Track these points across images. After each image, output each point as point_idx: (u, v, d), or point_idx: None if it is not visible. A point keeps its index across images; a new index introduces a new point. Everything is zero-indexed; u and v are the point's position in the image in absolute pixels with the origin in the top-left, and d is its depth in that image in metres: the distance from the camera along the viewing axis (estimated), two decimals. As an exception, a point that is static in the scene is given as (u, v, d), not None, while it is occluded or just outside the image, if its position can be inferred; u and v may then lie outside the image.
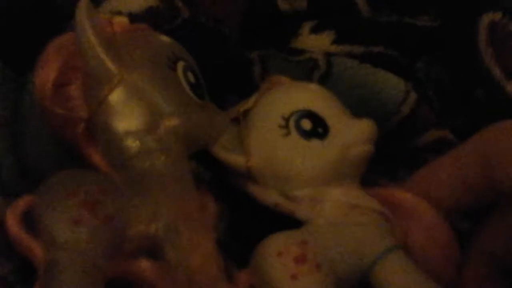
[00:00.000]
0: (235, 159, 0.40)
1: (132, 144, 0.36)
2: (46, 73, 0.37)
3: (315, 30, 0.53)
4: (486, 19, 0.50)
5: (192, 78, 0.39)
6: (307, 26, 0.54)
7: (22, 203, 0.34)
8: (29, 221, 0.33)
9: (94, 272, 0.32)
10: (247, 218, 0.41)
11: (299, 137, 0.39)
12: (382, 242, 0.37)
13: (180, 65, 0.39)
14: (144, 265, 0.34)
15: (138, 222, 0.34)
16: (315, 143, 0.39)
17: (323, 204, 0.38)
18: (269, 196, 0.40)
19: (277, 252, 0.36)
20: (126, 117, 0.37)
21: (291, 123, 0.39)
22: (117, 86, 0.36)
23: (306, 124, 0.39)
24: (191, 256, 0.33)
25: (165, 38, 0.40)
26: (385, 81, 0.47)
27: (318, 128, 0.40)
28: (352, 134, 0.39)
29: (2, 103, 0.42)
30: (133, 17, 0.47)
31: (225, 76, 0.47)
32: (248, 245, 0.38)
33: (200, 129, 0.38)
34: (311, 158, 0.39)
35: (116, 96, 0.37)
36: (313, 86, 0.44)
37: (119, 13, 0.48)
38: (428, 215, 0.39)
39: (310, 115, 0.40)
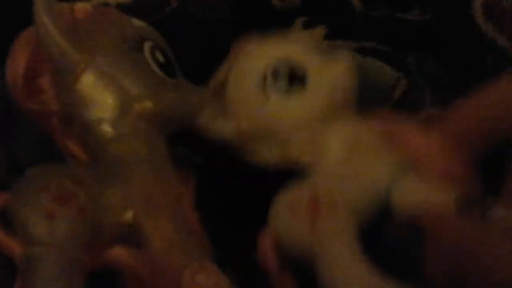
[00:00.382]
0: (226, 127, 0.40)
1: (106, 130, 0.37)
2: (16, 67, 0.38)
3: (307, 26, 0.53)
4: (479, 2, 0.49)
5: (161, 58, 0.39)
6: (299, 22, 0.53)
7: None
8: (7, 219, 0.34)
9: (72, 265, 0.33)
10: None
11: (280, 90, 0.39)
12: (391, 165, 0.37)
13: (147, 45, 0.39)
14: (119, 252, 0.34)
15: (111, 211, 0.35)
16: (297, 89, 0.39)
17: (324, 146, 0.38)
18: (270, 153, 0.39)
19: (289, 204, 0.37)
20: (96, 104, 0.37)
21: (269, 80, 0.39)
22: (83, 74, 0.37)
23: (284, 76, 0.39)
24: (152, 241, 0.34)
25: (131, 21, 0.40)
26: (376, 69, 0.47)
27: (295, 78, 0.39)
28: (333, 76, 0.39)
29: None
30: (122, 8, 0.47)
31: (212, 65, 0.47)
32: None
33: (174, 108, 0.38)
34: (297, 105, 0.39)
35: (83, 84, 0.37)
36: (284, 40, 0.42)
37: (107, 4, 0.48)
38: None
39: (286, 66, 0.40)
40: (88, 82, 0.37)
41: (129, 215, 0.35)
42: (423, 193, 0.35)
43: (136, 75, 0.37)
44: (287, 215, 0.36)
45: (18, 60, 0.37)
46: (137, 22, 0.40)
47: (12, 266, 0.35)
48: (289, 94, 0.39)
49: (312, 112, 0.39)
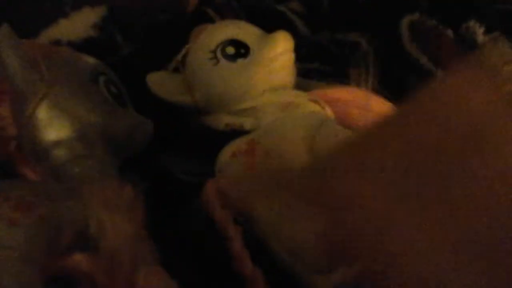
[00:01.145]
0: (183, 99, 0.46)
1: (61, 152, 0.39)
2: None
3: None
4: (406, 21, 0.55)
5: (114, 90, 0.43)
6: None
7: None
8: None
9: (33, 269, 0.33)
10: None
11: (227, 61, 0.45)
12: (315, 119, 0.43)
13: (102, 78, 0.42)
14: (78, 258, 0.34)
15: (72, 223, 0.35)
16: (241, 62, 0.45)
17: (263, 110, 0.44)
18: (220, 120, 0.45)
19: (231, 154, 0.42)
20: (52, 129, 0.39)
21: (218, 53, 0.45)
22: (42, 101, 0.39)
23: (230, 50, 0.45)
24: (111, 238, 0.35)
25: (86, 58, 0.44)
26: (309, 85, 0.50)
27: (240, 50, 0.45)
28: (272, 47, 0.45)
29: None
30: (73, 46, 0.49)
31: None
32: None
33: (124, 135, 0.41)
34: (241, 75, 0.45)
35: (42, 110, 0.39)
36: (229, 21, 0.50)
37: (58, 42, 0.50)
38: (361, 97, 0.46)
39: (231, 42, 0.46)
40: (47, 109, 0.39)
41: (88, 225, 0.35)
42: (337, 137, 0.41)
43: (92, 104, 0.40)
44: (228, 159, 0.41)
45: None
46: (90, 59, 0.44)
47: None
48: (234, 64, 0.45)
49: (254, 81, 0.45)
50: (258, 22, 0.57)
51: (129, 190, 0.38)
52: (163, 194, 0.44)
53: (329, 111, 0.45)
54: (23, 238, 0.33)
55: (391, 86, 0.51)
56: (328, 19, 0.61)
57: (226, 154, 0.42)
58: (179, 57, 0.48)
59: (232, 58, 0.45)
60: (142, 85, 0.47)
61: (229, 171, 0.41)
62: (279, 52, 0.45)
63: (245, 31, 0.47)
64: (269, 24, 0.51)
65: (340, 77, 0.54)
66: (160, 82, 0.47)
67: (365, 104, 0.45)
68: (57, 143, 0.39)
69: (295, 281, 0.38)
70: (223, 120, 0.45)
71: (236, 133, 0.44)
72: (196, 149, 0.48)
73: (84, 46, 0.50)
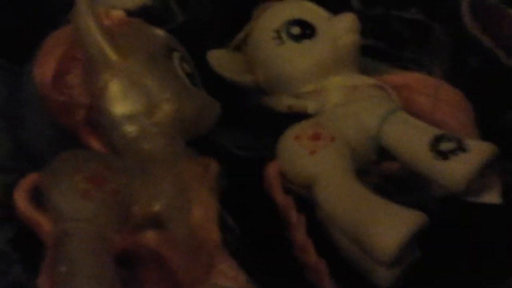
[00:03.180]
0: (245, 79, 0.46)
1: (132, 128, 0.38)
2: (47, 63, 0.39)
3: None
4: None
5: (188, 68, 0.41)
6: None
7: (29, 180, 0.35)
8: (36, 197, 0.35)
9: (103, 242, 0.33)
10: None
11: (292, 42, 0.44)
12: (383, 107, 0.42)
13: (176, 55, 0.41)
14: (150, 236, 0.35)
15: (141, 201, 0.35)
16: (306, 43, 0.44)
17: (327, 93, 0.43)
18: (282, 102, 0.45)
19: (295, 136, 0.41)
20: (124, 103, 0.38)
21: (283, 33, 0.45)
22: (117, 74, 0.38)
23: (295, 30, 0.45)
24: (192, 210, 0.35)
25: (159, 31, 0.42)
26: (373, 68, 0.49)
27: (306, 31, 0.44)
28: (338, 28, 0.44)
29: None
30: (128, 14, 0.48)
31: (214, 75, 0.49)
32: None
33: (194, 115, 0.40)
34: (306, 56, 0.44)
35: (115, 83, 0.38)
36: (293, 0, 0.48)
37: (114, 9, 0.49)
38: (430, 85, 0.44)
39: (297, 22, 0.45)
40: (121, 82, 0.38)
41: (157, 207, 0.36)
42: (405, 130, 0.40)
43: (166, 80, 0.39)
44: (292, 142, 0.41)
45: (50, 56, 0.39)
46: (160, 32, 0.42)
47: (19, 242, 0.37)
48: (300, 45, 0.44)
49: (319, 62, 0.44)
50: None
51: (214, 166, 0.38)
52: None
53: (395, 97, 0.44)
54: (95, 212, 0.34)
55: (454, 69, 0.50)
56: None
57: (289, 136, 0.42)
58: (241, 35, 0.47)
59: (297, 38, 0.44)
60: (196, 54, 0.46)
61: (292, 154, 0.41)
62: (345, 34, 0.44)
63: (311, 12, 0.46)
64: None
65: (396, 56, 0.54)
66: (221, 60, 0.46)
67: (434, 93, 0.44)
68: (128, 118, 0.38)
69: (356, 270, 0.38)
70: (285, 102, 0.45)
71: (297, 115, 0.44)
72: (251, 126, 0.48)
73: (139, 14, 0.49)
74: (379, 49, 0.55)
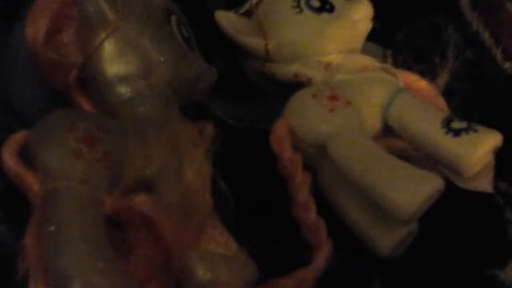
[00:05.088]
0: (255, 41, 0.45)
1: (125, 89, 0.37)
2: (39, 21, 0.37)
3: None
4: None
5: (185, 32, 0.40)
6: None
7: (18, 138, 0.34)
8: (25, 156, 0.33)
9: (93, 202, 0.32)
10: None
11: (311, 12, 0.44)
12: (392, 85, 0.42)
13: (174, 18, 0.40)
14: (141, 199, 0.34)
15: (133, 163, 0.35)
16: (325, 16, 0.44)
17: (336, 67, 0.43)
18: (288, 68, 0.45)
19: (312, 94, 0.41)
20: (119, 63, 0.37)
21: (302, 3, 0.44)
22: (113, 33, 0.37)
23: (315, 3, 0.44)
24: (185, 172, 0.35)
25: None
26: (364, 48, 0.49)
27: (326, 6, 0.44)
28: (357, 11, 0.44)
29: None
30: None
31: (210, 41, 0.48)
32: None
33: (190, 80, 0.39)
34: (324, 28, 0.44)
35: (111, 43, 0.37)
36: None
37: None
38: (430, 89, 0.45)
39: None
40: (116, 42, 0.37)
41: (149, 169, 0.35)
42: (416, 108, 0.41)
43: (163, 43, 0.38)
44: (309, 99, 0.40)
45: (43, 13, 0.37)
46: None
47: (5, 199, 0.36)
48: (318, 16, 0.44)
49: (335, 37, 0.44)
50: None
51: (209, 129, 0.38)
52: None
53: (400, 81, 0.44)
54: (86, 172, 0.33)
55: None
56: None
57: (306, 94, 0.41)
58: (254, 1, 0.46)
59: (317, 10, 0.44)
60: (194, 16, 0.45)
61: (310, 111, 0.40)
62: (362, 17, 0.44)
63: None
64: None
65: (387, 38, 0.53)
66: (230, 22, 0.45)
67: (433, 97, 0.44)
68: (122, 79, 0.37)
69: (357, 235, 0.39)
70: (292, 69, 0.44)
71: (298, 86, 0.43)
72: (248, 95, 0.47)
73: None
74: (372, 28, 0.54)
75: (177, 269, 0.33)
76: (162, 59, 0.38)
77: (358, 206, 0.39)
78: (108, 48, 0.37)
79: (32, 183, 0.33)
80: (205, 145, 0.37)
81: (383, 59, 0.51)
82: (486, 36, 0.52)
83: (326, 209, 0.39)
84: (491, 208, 0.43)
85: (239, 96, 0.47)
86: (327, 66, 0.44)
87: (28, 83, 0.41)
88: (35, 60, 0.38)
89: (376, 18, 0.47)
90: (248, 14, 0.46)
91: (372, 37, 0.49)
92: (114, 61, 0.37)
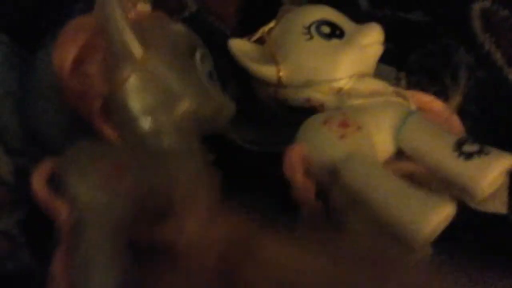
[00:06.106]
0: (267, 69, 0.45)
1: (148, 122, 0.39)
2: (67, 50, 0.39)
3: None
4: (477, 7, 0.54)
5: (208, 67, 0.42)
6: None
7: (46, 166, 0.35)
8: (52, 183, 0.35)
9: (119, 232, 0.34)
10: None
11: (322, 38, 0.45)
12: (403, 109, 0.43)
13: (198, 54, 0.42)
14: (166, 228, 0.35)
15: (157, 192, 0.35)
16: (336, 42, 0.45)
17: (349, 92, 0.44)
18: (300, 94, 0.45)
19: (323, 121, 0.41)
20: (143, 97, 0.39)
21: (313, 30, 0.45)
22: (139, 68, 0.38)
23: (326, 29, 0.45)
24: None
25: (183, 28, 0.43)
26: (377, 70, 0.50)
27: (336, 31, 0.45)
28: (367, 35, 0.45)
29: (10, 74, 0.43)
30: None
31: (225, 69, 0.49)
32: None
33: (211, 115, 0.41)
34: (334, 54, 0.44)
35: (136, 78, 0.39)
36: (323, 5, 0.49)
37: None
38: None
39: (327, 23, 0.45)
40: (142, 76, 0.38)
41: (173, 199, 0.35)
42: (428, 131, 0.41)
43: (186, 78, 0.40)
44: (320, 125, 0.41)
45: (71, 43, 0.39)
46: (184, 28, 0.43)
47: (27, 225, 0.37)
48: (329, 42, 0.45)
49: (346, 62, 0.44)
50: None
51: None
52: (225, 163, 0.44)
53: (412, 104, 0.44)
54: (114, 202, 0.34)
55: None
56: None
57: (317, 121, 0.42)
58: (266, 28, 0.47)
59: (327, 36, 0.45)
60: (208, 45, 0.46)
61: (321, 137, 0.41)
62: (372, 42, 0.45)
63: (339, 17, 0.46)
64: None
65: (401, 60, 0.54)
66: (243, 50, 0.46)
67: (448, 118, 0.45)
68: (146, 112, 0.38)
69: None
70: (304, 95, 0.45)
71: (311, 111, 0.44)
72: (262, 120, 0.48)
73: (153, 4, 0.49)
74: (385, 49, 0.55)
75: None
76: (185, 94, 0.39)
77: (370, 232, 0.39)
78: (133, 82, 0.38)
79: (61, 211, 0.34)
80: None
81: (397, 81, 0.51)
82: (498, 56, 0.52)
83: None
84: (506, 229, 0.43)
85: (254, 120, 0.48)
86: (339, 91, 0.44)
87: (50, 110, 0.42)
88: (61, 88, 0.39)
89: (388, 40, 0.48)
90: (261, 41, 0.47)
91: (385, 59, 0.49)
92: (138, 95, 0.38)
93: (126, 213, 0.34)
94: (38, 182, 0.34)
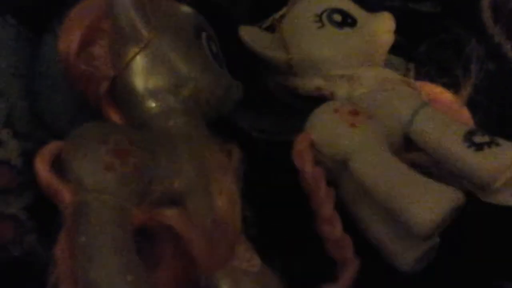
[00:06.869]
0: (278, 55, 0.46)
1: (155, 103, 0.38)
2: (72, 33, 0.39)
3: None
4: None
5: (214, 48, 0.41)
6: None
7: (50, 149, 0.34)
8: (56, 166, 0.34)
9: (123, 214, 0.33)
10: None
11: (333, 27, 0.45)
12: (415, 99, 0.42)
13: (204, 35, 0.41)
14: (170, 213, 0.35)
15: (162, 177, 0.35)
16: (347, 30, 0.45)
17: (359, 81, 0.44)
18: (311, 82, 0.45)
19: (333, 109, 0.41)
20: (150, 78, 0.38)
21: (324, 18, 0.45)
22: (145, 48, 0.38)
23: (337, 17, 0.45)
24: (217, 198, 0.35)
25: (189, 9, 0.42)
26: (387, 61, 0.49)
27: (347, 20, 0.45)
28: (379, 24, 0.45)
29: (17, 57, 0.43)
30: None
31: (234, 54, 0.48)
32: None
33: (219, 96, 0.40)
34: (345, 43, 0.44)
35: (143, 57, 0.38)
36: None
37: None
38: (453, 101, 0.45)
39: (339, 11, 0.45)
40: (148, 56, 0.38)
41: (177, 184, 0.35)
42: (438, 122, 0.41)
43: (193, 59, 0.39)
44: (331, 114, 0.41)
45: (76, 26, 0.38)
46: (188, 8, 0.42)
47: (35, 209, 0.37)
48: (340, 31, 0.45)
49: (357, 51, 0.44)
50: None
51: (237, 153, 0.38)
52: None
53: (422, 94, 0.44)
54: (118, 184, 0.33)
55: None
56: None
57: (328, 109, 0.42)
58: (277, 15, 0.47)
59: (339, 25, 0.45)
60: (217, 29, 0.45)
61: (331, 125, 0.41)
62: (384, 30, 0.45)
63: (351, 5, 0.46)
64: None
65: (410, 51, 0.54)
66: (254, 36, 0.46)
67: (458, 110, 0.44)
68: (152, 93, 0.38)
69: (378, 250, 0.39)
70: (315, 83, 0.45)
71: (321, 99, 0.44)
72: (271, 109, 0.47)
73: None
74: (395, 41, 0.54)
75: (202, 285, 0.33)
76: (192, 74, 0.38)
77: (380, 220, 0.39)
78: (140, 62, 0.38)
79: (64, 194, 0.33)
80: (234, 169, 0.38)
81: (406, 72, 0.51)
82: (508, 48, 0.52)
83: (348, 223, 0.40)
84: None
85: (263, 109, 0.48)
86: (349, 79, 0.44)
87: (57, 94, 0.42)
88: (67, 71, 0.39)
89: (398, 31, 0.48)
90: (272, 28, 0.47)
91: (395, 50, 0.49)
92: (145, 75, 0.38)
93: (130, 196, 0.34)
94: (42, 165, 0.34)
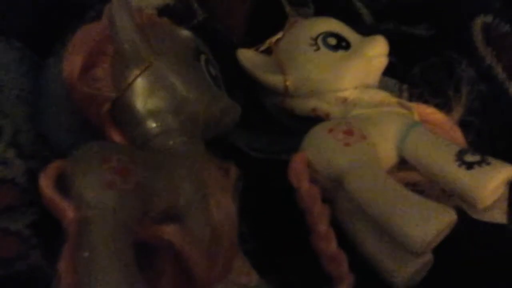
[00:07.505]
0: (275, 79, 0.47)
1: (155, 124, 0.39)
2: (76, 56, 0.40)
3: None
4: (479, 21, 0.55)
5: (213, 70, 0.43)
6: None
7: (54, 167, 0.35)
8: (60, 184, 0.35)
9: (124, 231, 0.34)
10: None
11: (328, 50, 0.46)
12: (407, 120, 0.44)
13: (203, 58, 0.42)
14: (170, 229, 0.35)
15: (162, 195, 0.36)
16: (341, 53, 0.46)
17: (354, 102, 0.45)
18: (307, 103, 0.47)
19: (328, 129, 0.42)
20: (151, 99, 0.39)
21: (319, 41, 0.46)
22: (147, 69, 0.39)
23: (332, 41, 0.47)
24: (215, 213, 0.36)
25: (188, 33, 0.43)
26: (381, 82, 0.51)
27: (342, 43, 0.46)
28: (373, 47, 0.46)
29: (22, 79, 0.44)
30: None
31: (231, 76, 0.50)
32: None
33: (217, 117, 0.41)
34: (340, 65, 0.46)
35: (144, 79, 0.39)
36: (330, 17, 0.50)
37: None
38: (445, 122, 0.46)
39: (334, 35, 0.47)
40: (149, 78, 0.39)
41: (177, 201, 0.36)
42: (430, 142, 0.42)
43: (192, 81, 0.40)
44: (326, 133, 0.42)
45: (79, 49, 0.40)
46: (187, 33, 0.43)
47: (38, 226, 0.38)
48: (335, 53, 0.46)
49: (351, 73, 0.46)
50: (323, 8, 0.57)
51: (234, 171, 0.39)
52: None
53: (415, 115, 0.45)
54: (118, 202, 0.34)
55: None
56: (394, 9, 0.61)
57: (323, 128, 0.43)
58: (273, 39, 0.48)
59: (333, 48, 0.46)
60: (216, 52, 0.47)
61: (326, 145, 0.42)
62: (377, 53, 0.46)
63: (345, 29, 0.48)
64: (334, 10, 0.52)
65: (404, 73, 0.55)
66: (251, 59, 0.48)
67: (450, 130, 0.46)
68: (153, 114, 0.39)
69: (373, 267, 0.40)
70: (310, 105, 0.46)
71: (317, 120, 0.45)
72: (268, 128, 0.49)
73: (162, 11, 0.50)
74: (389, 63, 0.56)
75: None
76: (190, 96, 0.40)
77: (374, 238, 0.40)
78: (141, 84, 0.39)
79: (67, 211, 0.34)
80: (231, 187, 0.38)
81: (399, 93, 0.52)
82: (499, 70, 0.53)
83: (343, 239, 0.41)
84: (505, 239, 0.44)
85: (260, 129, 0.49)
86: (344, 101, 0.45)
87: (61, 114, 0.43)
88: (70, 93, 0.40)
89: (392, 54, 0.49)
90: (268, 51, 0.49)
91: (388, 71, 0.50)
92: (145, 97, 0.39)
93: (131, 213, 0.35)
94: (46, 183, 0.35)
